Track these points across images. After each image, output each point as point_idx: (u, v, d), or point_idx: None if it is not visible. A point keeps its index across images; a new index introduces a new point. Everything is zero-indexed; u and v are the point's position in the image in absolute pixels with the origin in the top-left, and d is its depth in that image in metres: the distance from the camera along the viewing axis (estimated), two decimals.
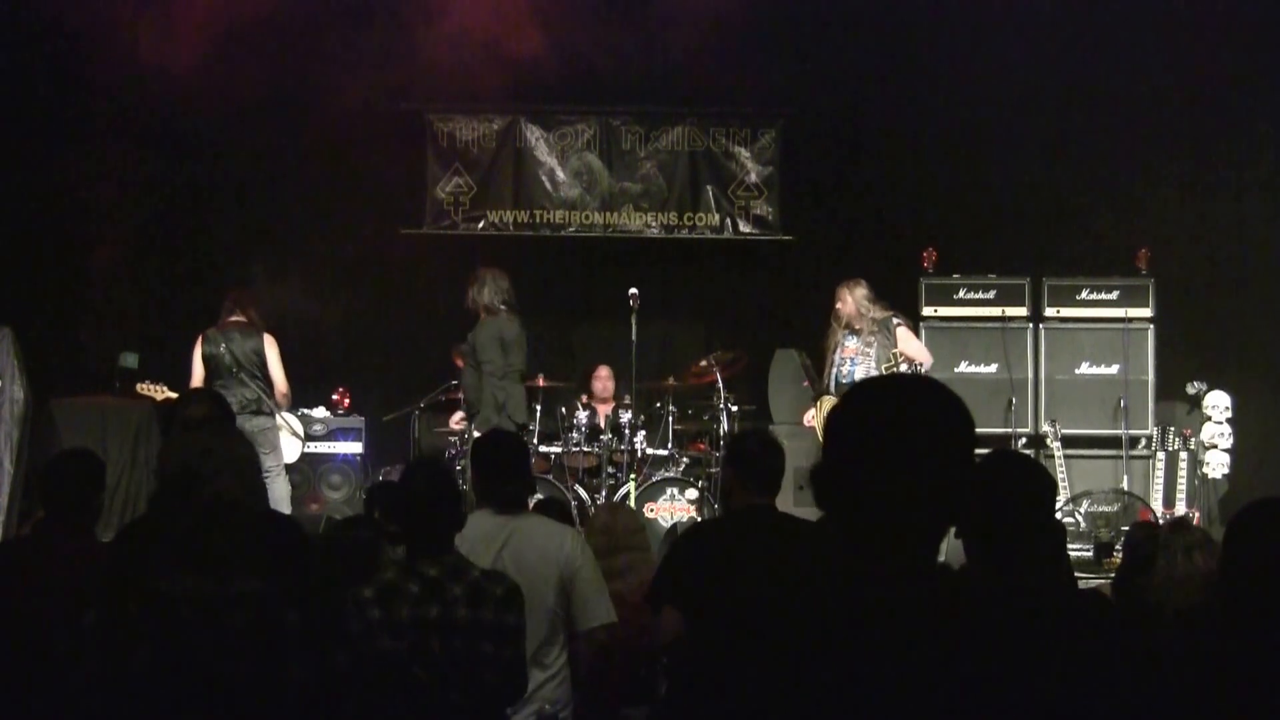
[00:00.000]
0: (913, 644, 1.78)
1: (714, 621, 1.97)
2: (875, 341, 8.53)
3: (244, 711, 2.25)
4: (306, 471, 9.91)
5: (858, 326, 8.56)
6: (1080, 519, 8.89)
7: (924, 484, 1.85)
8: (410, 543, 3.82)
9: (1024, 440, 9.46)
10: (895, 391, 1.95)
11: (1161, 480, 9.29)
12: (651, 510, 9.05)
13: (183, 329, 10.46)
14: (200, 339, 8.24)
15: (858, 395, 1.98)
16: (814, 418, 8.81)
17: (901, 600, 1.82)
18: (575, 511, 8.20)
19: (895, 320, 8.68)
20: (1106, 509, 8.96)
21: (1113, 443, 9.46)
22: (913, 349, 8.64)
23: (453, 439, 9.69)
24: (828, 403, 8.54)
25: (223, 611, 2.28)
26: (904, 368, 8.48)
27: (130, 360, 9.74)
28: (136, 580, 2.36)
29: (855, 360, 8.53)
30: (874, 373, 8.51)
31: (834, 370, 8.63)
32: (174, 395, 8.12)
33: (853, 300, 8.59)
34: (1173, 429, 9.47)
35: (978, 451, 3.17)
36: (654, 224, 11.27)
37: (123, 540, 3.56)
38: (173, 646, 2.24)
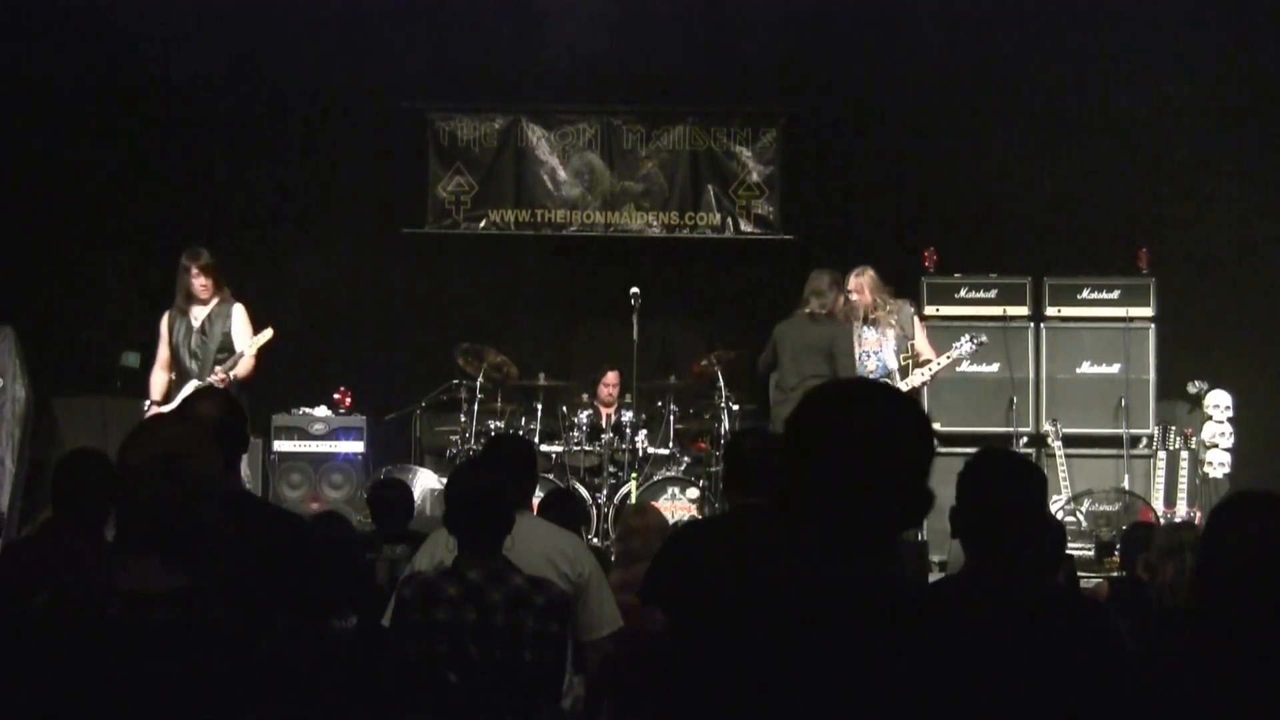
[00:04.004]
0: (854, 643, 1.80)
1: (684, 619, 2.00)
2: (890, 333, 8.43)
3: (169, 709, 2.26)
4: (308, 470, 9.93)
5: (873, 315, 8.35)
6: (1081, 518, 8.90)
7: (879, 490, 1.87)
8: (458, 542, 3.79)
9: (1025, 439, 9.47)
10: (855, 398, 1.97)
11: (1162, 479, 9.30)
12: None
13: None
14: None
15: (816, 400, 2.00)
16: None
17: (849, 601, 1.83)
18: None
19: (912, 309, 8.62)
20: (1107, 508, 8.97)
21: (1114, 442, 9.47)
22: (927, 347, 8.61)
23: (454, 438, 9.71)
24: None
25: (147, 606, 2.29)
26: (923, 371, 8.45)
27: (132, 359, 9.74)
28: (87, 573, 2.37)
29: (879, 353, 8.33)
30: (893, 364, 8.45)
31: (858, 366, 8.30)
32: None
33: (869, 289, 8.35)
34: (1174, 428, 9.48)
35: (971, 450, 3.20)
36: (655, 223, 11.27)
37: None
38: (99, 640, 2.26)
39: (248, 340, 7.69)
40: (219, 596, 2.35)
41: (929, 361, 8.53)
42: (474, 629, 3.59)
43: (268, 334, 7.73)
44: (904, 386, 8.40)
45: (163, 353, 7.87)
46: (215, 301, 7.83)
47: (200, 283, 7.78)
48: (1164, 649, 2.92)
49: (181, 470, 2.37)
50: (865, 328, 8.37)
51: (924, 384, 8.63)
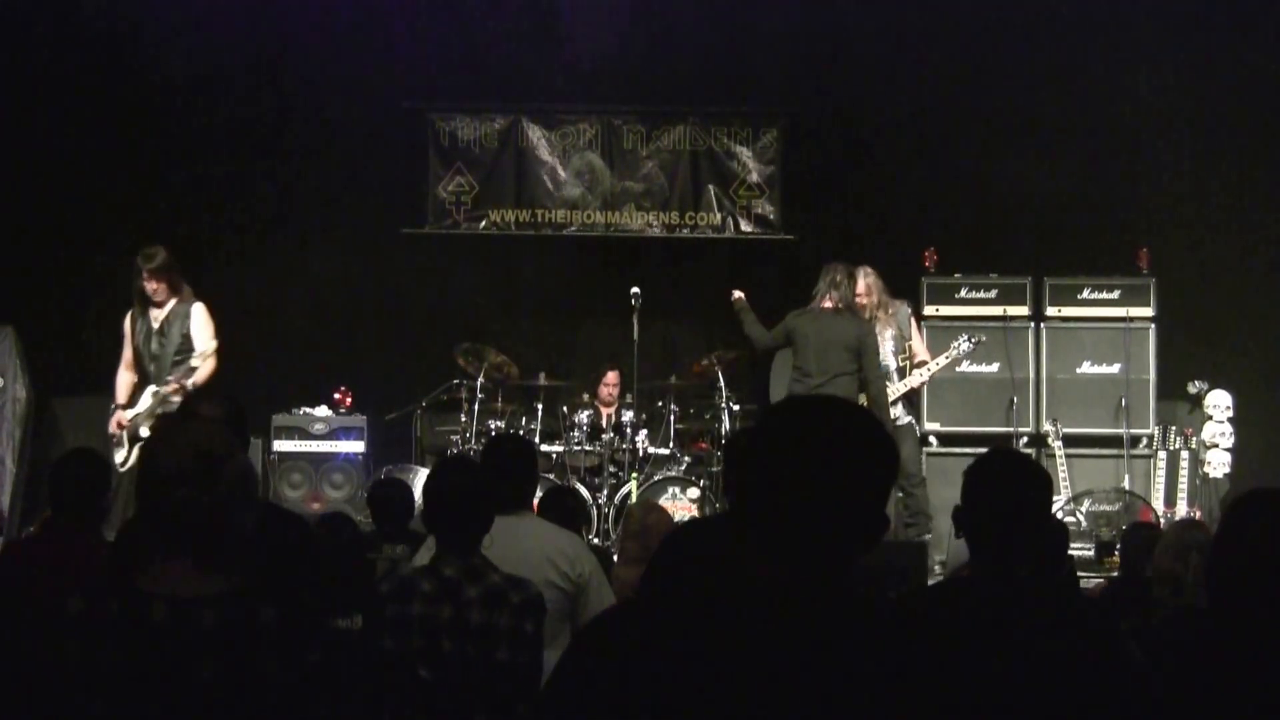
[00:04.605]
0: (779, 649, 1.80)
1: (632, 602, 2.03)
2: (889, 333, 8.47)
3: (218, 713, 2.24)
4: (308, 470, 9.93)
5: (874, 315, 8.39)
6: (1081, 518, 8.90)
7: (836, 509, 1.86)
8: (436, 540, 3.78)
9: (1025, 439, 9.48)
10: (823, 415, 1.95)
11: (1163, 479, 9.30)
12: None
13: None
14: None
15: (783, 413, 2.00)
16: None
17: (783, 606, 1.83)
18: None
19: (909, 310, 8.65)
20: (1108, 508, 8.97)
21: (1114, 442, 9.47)
22: (922, 348, 8.65)
23: (454, 438, 9.71)
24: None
25: (195, 610, 2.26)
26: (920, 371, 8.47)
27: None
28: (121, 575, 2.34)
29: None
30: (891, 363, 8.48)
31: None
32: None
33: (876, 291, 8.40)
34: (1174, 428, 9.48)
35: (977, 450, 3.21)
36: (655, 223, 11.27)
37: (124, 534, 3.57)
38: (145, 644, 2.23)
39: (207, 340, 7.40)
40: (266, 599, 2.33)
41: (925, 363, 8.59)
42: (448, 625, 3.58)
43: (213, 346, 7.40)
44: (902, 387, 8.46)
45: (126, 354, 7.59)
46: (174, 302, 7.50)
47: (151, 286, 7.42)
48: (1172, 648, 2.91)
49: (219, 471, 2.34)
50: None
51: (922, 384, 8.69)
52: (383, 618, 3.62)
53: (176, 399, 7.16)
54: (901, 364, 8.59)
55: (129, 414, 7.45)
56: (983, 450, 3.57)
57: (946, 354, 8.63)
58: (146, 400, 7.42)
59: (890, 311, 8.58)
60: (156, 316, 7.52)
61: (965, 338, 8.68)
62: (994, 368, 9.58)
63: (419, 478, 9.22)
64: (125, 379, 7.62)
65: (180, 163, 10.78)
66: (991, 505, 2.98)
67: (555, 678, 1.97)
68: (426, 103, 11.21)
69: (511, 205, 11.26)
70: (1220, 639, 2.76)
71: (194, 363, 7.32)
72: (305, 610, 2.36)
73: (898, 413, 8.43)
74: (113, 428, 7.54)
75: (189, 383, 7.29)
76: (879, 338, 8.39)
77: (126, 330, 7.61)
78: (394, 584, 3.70)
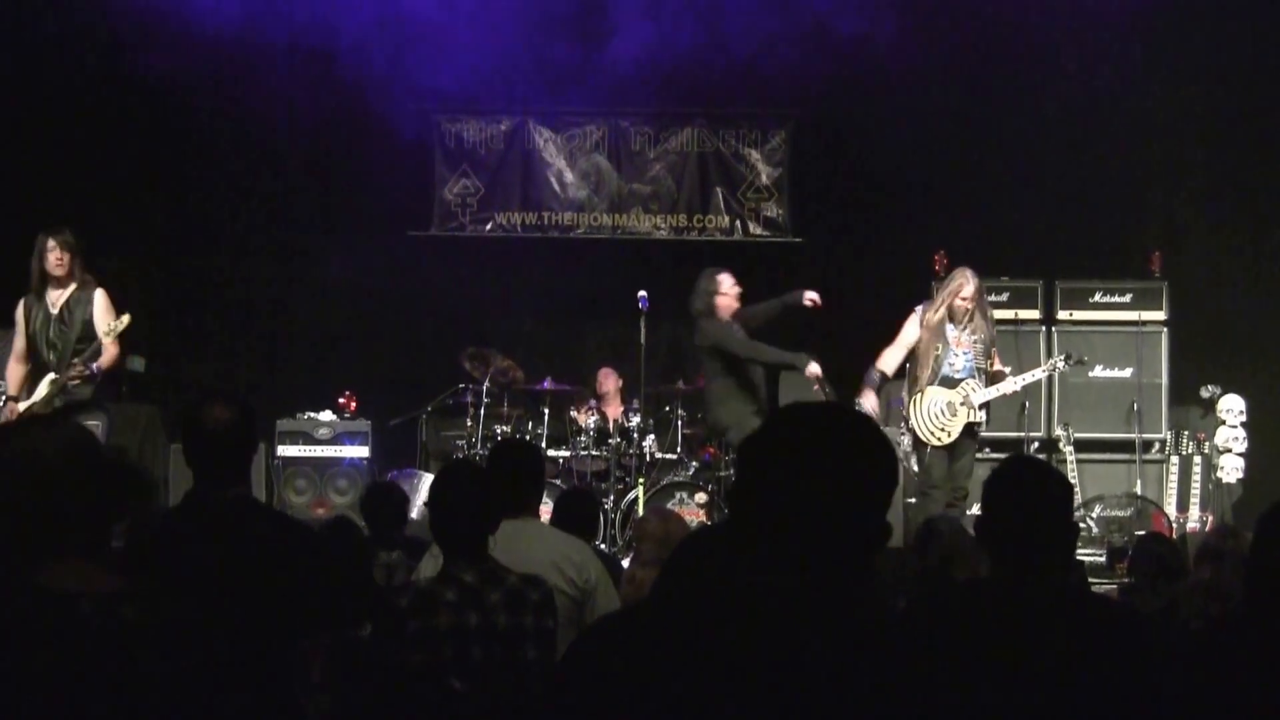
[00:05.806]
0: (769, 660, 1.77)
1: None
2: (979, 337, 8.31)
3: (141, 708, 2.20)
4: (313, 476, 9.88)
5: (964, 320, 8.13)
6: (1093, 523, 8.84)
7: (837, 518, 1.83)
8: (444, 549, 3.75)
9: (1037, 444, 9.43)
10: (824, 423, 1.91)
11: (1175, 484, 9.23)
12: None
13: (187, 332, 10.47)
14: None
15: (784, 421, 1.95)
16: (912, 412, 8.14)
17: (778, 610, 1.80)
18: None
19: (994, 318, 8.60)
20: (1119, 513, 8.91)
21: (1126, 446, 9.41)
22: (997, 358, 8.53)
23: (460, 443, 9.67)
24: (933, 394, 8.09)
25: (115, 606, 2.22)
26: (1018, 383, 8.34)
27: (136, 364, 9.72)
28: (13, 575, 2.26)
29: (967, 353, 8.13)
30: (980, 366, 8.28)
31: (945, 361, 8.09)
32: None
33: (979, 296, 8.16)
34: (1186, 433, 9.43)
35: (988, 455, 3.15)
36: (663, 226, 11.23)
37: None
38: (74, 643, 2.19)
39: (110, 323, 7.16)
40: (170, 595, 2.32)
41: (1002, 372, 8.35)
42: (476, 632, 3.55)
43: (125, 320, 7.19)
44: (994, 391, 8.19)
45: (19, 343, 7.32)
46: (74, 286, 7.27)
47: (55, 256, 7.19)
48: (1207, 655, 2.86)
49: (104, 462, 2.32)
50: (950, 327, 8.15)
51: (1013, 393, 8.46)
52: (404, 633, 3.56)
53: (77, 384, 7.05)
54: (987, 367, 8.41)
55: (23, 405, 7.15)
56: (995, 455, 3.53)
57: (1044, 367, 8.58)
58: (43, 389, 7.16)
59: (987, 316, 8.41)
60: (55, 302, 7.28)
61: (1062, 356, 8.64)
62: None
63: (424, 483, 9.17)
64: (18, 371, 7.34)
65: (185, 166, 10.75)
66: (1012, 512, 2.94)
67: (554, 681, 1.95)
68: (433, 105, 11.16)
69: (518, 208, 11.22)
70: (1257, 646, 2.71)
71: (103, 338, 7.13)
72: (196, 607, 2.34)
73: (981, 416, 8.21)
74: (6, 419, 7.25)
75: (95, 366, 7.11)
76: (972, 339, 8.19)
77: (19, 318, 7.34)
78: (412, 597, 3.64)
